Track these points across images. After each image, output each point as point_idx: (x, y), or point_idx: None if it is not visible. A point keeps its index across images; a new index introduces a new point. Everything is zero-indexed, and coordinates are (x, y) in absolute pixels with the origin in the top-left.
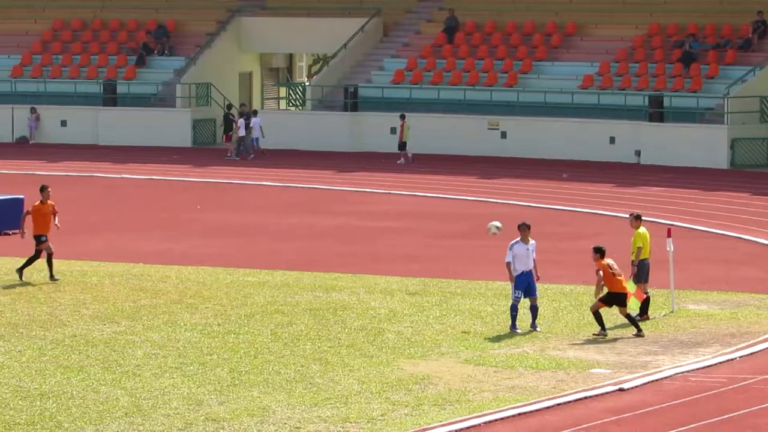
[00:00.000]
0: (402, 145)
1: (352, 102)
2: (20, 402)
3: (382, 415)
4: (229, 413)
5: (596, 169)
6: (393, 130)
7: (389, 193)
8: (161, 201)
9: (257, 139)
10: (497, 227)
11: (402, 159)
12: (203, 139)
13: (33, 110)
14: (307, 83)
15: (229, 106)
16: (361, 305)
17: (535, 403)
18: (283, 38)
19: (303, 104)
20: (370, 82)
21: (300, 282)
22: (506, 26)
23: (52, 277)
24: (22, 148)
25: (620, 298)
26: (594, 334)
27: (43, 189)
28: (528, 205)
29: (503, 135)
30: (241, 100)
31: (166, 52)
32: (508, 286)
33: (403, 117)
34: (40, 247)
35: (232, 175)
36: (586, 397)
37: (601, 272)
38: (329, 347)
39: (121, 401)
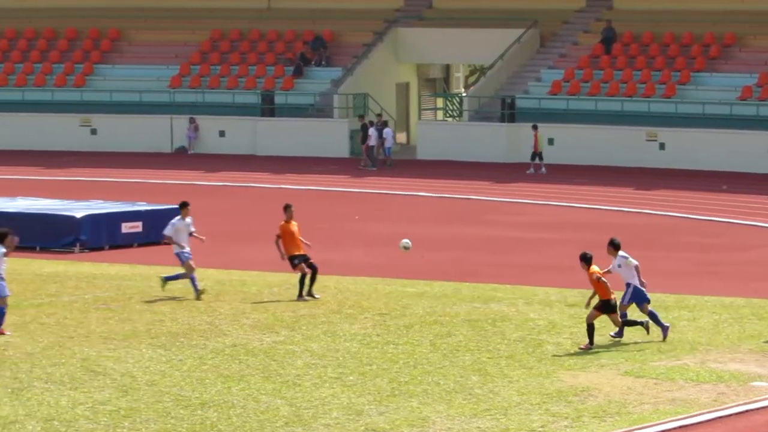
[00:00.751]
0: (536, 156)
1: (509, 113)
2: (181, 411)
3: (541, 427)
4: (389, 423)
5: (755, 181)
6: (551, 141)
7: (546, 204)
8: (319, 211)
9: (389, 148)
10: (405, 246)
11: (532, 169)
12: (360, 149)
13: (192, 120)
14: (464, 94)
15: (368, 117)
16: (520, 316)
17: (696, 415)
18: (440, 49)
19: (460, 115)
20: (527, 93)
21: (458, 293)
22: (664, 37)
23: (309, 293)
24: (181, 158)
25: (612, 306)
26: (581, 348)
27: (287, 208)
28: (685, 217)
29: (661, 146)
30: (399, 110)
31: (323, 62)
32: (668, 298)
33: (535, 128)
34: (297, 270)
35: (389, 185)
36: (747, 410)
37: (603, 278)
38: (488, 358)
39: (281, 411)
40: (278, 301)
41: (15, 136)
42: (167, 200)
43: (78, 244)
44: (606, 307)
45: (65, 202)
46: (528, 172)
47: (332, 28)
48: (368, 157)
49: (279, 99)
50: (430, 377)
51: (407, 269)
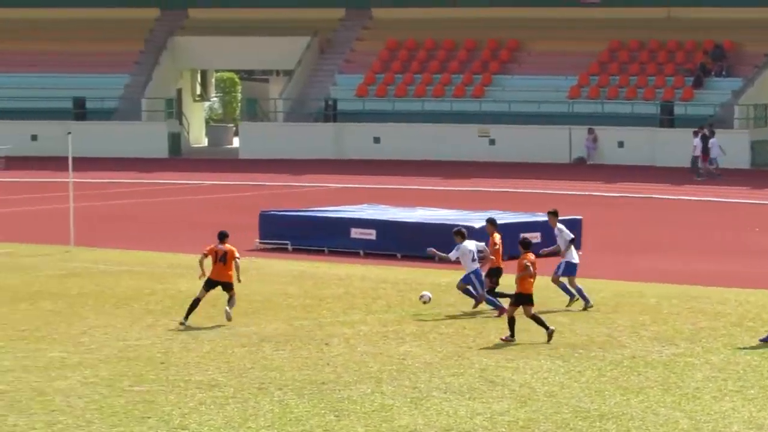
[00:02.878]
0: None
1: None
2: (580, 423)
3: None
4: None
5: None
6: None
7: None
8: (717, 222)
9: (716, 159)
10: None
11: None
12: (762, 159)
13: (590, 131)
14: None
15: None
16: None
17: None
18: None
19: None
20: None
21: None
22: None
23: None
24: (579, 168)
25: (528, 299)
26: (502, 339)
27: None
28: None
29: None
30: None
31: (723, 72)
32: None
33: None
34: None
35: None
36: None
37: (530, 266)
38: None
39: (680, 424)
40: (677, 313)
41: (414, 146)
42: (566, 211)
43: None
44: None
45: (463, 212)
46: None
47: (732, 38)
48: (695, 168)
49: (678, 110)
50: None
51: None
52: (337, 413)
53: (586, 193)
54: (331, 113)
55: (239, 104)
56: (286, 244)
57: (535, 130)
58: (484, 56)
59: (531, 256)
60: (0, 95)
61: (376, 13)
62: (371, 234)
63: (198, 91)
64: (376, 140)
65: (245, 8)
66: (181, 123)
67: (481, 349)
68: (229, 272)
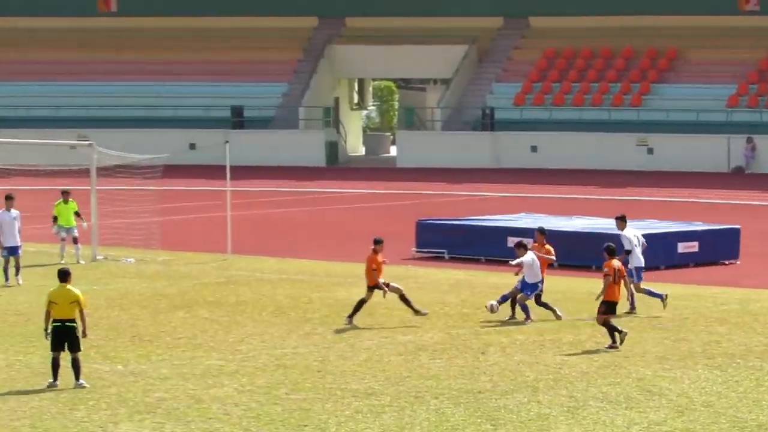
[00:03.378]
0: None
1: None
2: None
3: None
4: None
5: None
6: None
7: None
8: None
9: None
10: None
11: None
12: None
13: (749, 140)
14: None
15: None
16: None
17: None
18: None
19: None
20: None
21: None
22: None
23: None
24: (738, 177)
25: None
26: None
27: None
28: None
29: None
30: None
31: None
32: None
33: None
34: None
35: None
36: None
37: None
38: None
39: None
40: None
41: (571, 155)
42: (722, 220)
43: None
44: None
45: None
46: None
47: None
48: None
49: None
50: None
51: None
52: (493, 422)
53: (745, 202)
54: (488, 122)
55: (396, 113)
56: (443, 252)
57: (693, 138)
58: (643, 65)
59: (615, 263)
60: (159, 103)
61: (533, 21)
62: None
63: (355, 99)
64: (533, 149)
65: (403, 17)
66: (338, 131)
67: (638, 358)
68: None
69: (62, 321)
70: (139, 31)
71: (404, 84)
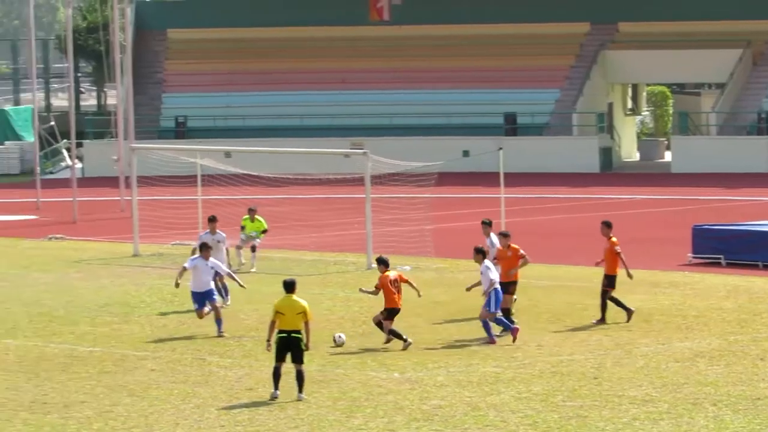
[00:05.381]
0: None
1: None
2: None
3: None
4: None
5: None
6: None
7: None
8: None
9: None
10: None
11: None
12: None
13: None
14: None
15: None
16: None
17: None
18: None
19: None
20: None
21: None
22: None
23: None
24: None
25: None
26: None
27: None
28: None
29: None
30: None
31: None
32: None
33: None
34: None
35: None
36: None
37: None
38: None
39: None
40: None
41: None
42: None
43: None
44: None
45: None
46: None
47: None
48: None
49: None
50: None
51: None
52: None
53: None
54: (764, 126)
55: (671, 118)
56: (720, 258)
57: None
58: None
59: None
60: (432, 111)
61: None
62: None
63: (629, 105)
64: None
65: (676, 21)
66: (612, 137)
67: None
68: None
69: (288, 332)
70: (411, 39)
71: (678, 89)
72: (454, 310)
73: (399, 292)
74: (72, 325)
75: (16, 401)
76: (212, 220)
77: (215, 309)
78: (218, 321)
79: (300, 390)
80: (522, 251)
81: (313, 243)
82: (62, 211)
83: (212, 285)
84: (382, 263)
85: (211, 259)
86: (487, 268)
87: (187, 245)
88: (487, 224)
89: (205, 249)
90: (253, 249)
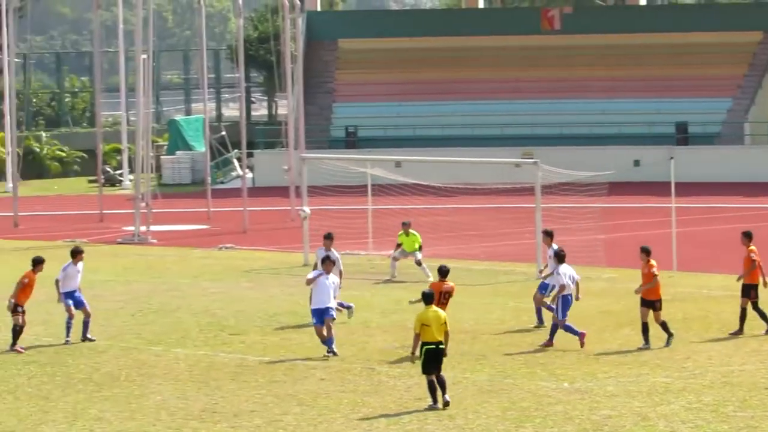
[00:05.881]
0: None
1: None
2: None
3: None
4: None
5: None
6: None
7: None
8: None
9: None
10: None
11: None
12: None
13: None
14: None
15: None
16: None
17: None
18: None
19: None
20: None
21: None
22: None
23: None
24: None
25: None
26: None
27: None
28: None
29: None
30: None
31: None
32: None
33: None
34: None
35: None
36: None
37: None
38: None
39: None
40: None
41: None
42: None
43: None
44: None
45: None
46: None
47: None
48: None
49: None
50: None
51: None
52: None
53: None
54: None
55: None
56: None
57: None
58: None
59: None
60: (603, 121)
61: None
62: None
63: None
64: None
65: None
66: None
67: None
68: None
69: (435, 344)
70: (582, 48)
71: None
72: (624, 320)
73: (446, 304)
74: (242, 334)
75: (186, 410)
76: (328, 237)
77: (328, 327)
78: (329, 341)
79: (444, 392)
80: (654, 270)
81: (483, 252)
82: (233, 221)
83: (331, 303)
84: (441, 273)
85: (332, 275)
86: (559, 273)
87: (355, 255)
88: (548, 234)
89: (327, 262)
90: (419, 263)
